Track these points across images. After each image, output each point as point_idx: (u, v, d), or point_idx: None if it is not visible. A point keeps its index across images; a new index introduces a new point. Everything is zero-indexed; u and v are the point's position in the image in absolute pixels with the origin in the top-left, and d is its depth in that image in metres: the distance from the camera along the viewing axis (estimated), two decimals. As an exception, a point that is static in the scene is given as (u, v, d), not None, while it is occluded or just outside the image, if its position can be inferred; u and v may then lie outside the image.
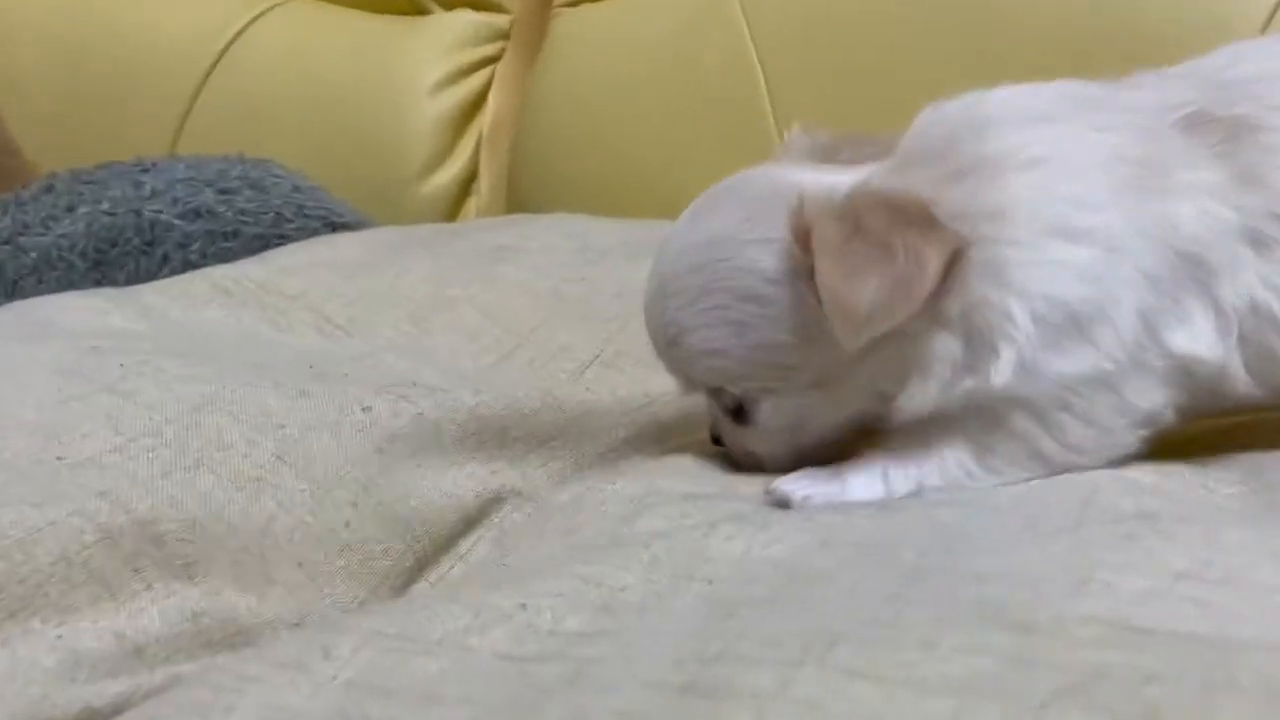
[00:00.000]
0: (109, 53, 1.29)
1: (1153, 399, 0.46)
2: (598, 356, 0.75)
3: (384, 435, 0.55)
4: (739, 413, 0.52)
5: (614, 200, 1.13)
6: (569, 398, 0.63)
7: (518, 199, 1.24)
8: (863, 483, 0.48)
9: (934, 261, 0.43)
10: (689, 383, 0.53)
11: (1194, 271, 0.45)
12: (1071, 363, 0.45)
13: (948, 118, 0.49)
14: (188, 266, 0.80)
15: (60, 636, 0.42)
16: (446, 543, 0.54)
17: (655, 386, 0.71)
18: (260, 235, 0.85)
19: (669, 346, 0.52)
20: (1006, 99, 0.49)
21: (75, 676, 0.40)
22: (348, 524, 0.51)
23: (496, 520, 0.55)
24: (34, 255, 0.79)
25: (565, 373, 0.72)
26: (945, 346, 0.46)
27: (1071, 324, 0.45)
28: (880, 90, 1.00)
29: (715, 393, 0.53)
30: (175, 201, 0.80)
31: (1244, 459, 0.48)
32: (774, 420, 0.51)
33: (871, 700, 0.29)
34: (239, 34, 1.27)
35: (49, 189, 0.85)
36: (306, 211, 0.89)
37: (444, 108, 1.24)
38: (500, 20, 1.27)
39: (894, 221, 0.44)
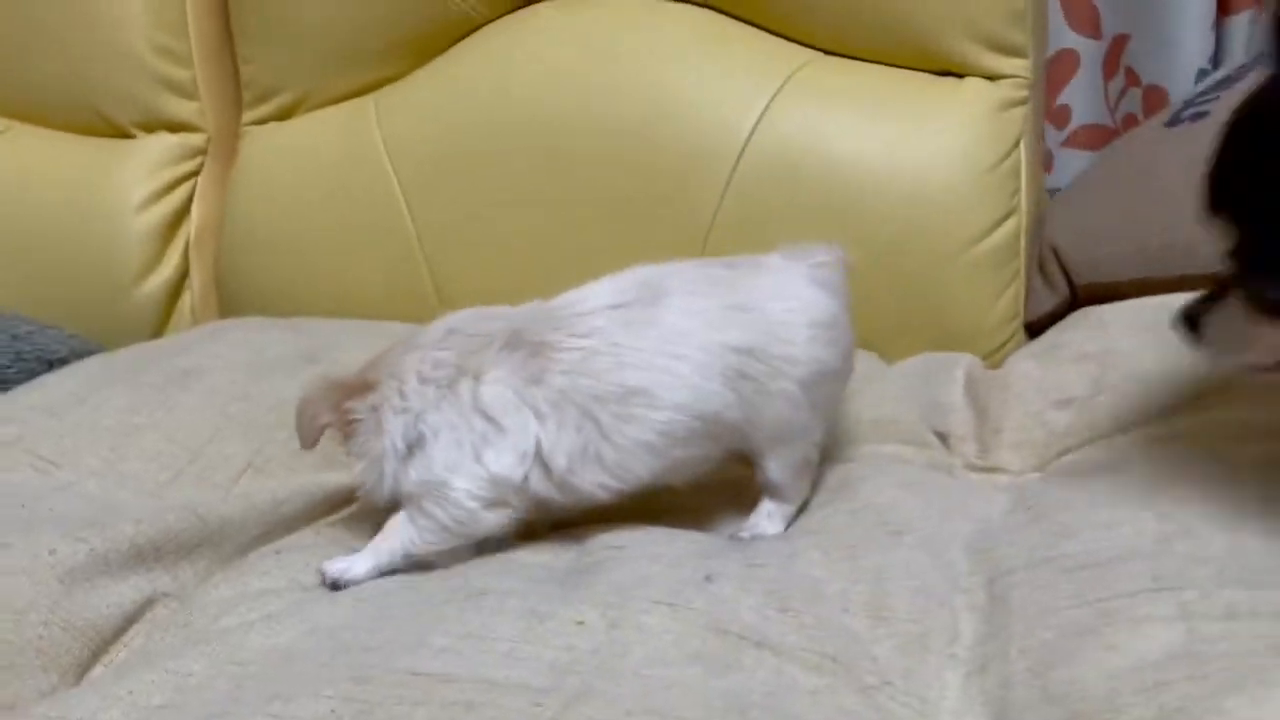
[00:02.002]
0: None
1: (487, 495, 0.79)
2: (250, 464, 1.02)
3: (65, 570, 0.81)
4: None
5: (305, 298, 1.38)
6: (210, 512, 0.91)
7: (227, 295, 1.48)
8: (364, 559, 0.81)
9: (320, 420, 0.82)
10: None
11: (497, 425, 0.80)
12: (417, 472, 0.80)
13: (407, 334, 0.86)
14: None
15: None
16: (114, 636, 0.81)
17: (293, 485, 1.00)
18: (-19, 385, 1.07)
19: None
20: (412, 338, 0.85)
21: None
22: (40, 637, 0.78)
23: (149, 616, 0.83)
24: None
25: (221, 483, 0.99)
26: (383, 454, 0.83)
27: (407, 453, 0.81)
28: (513, 218, 1.27)
29: None
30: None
31: (560, 541, 0.82)
32: None
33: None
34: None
35: None
36: (24, 356, 1.12)
37: (151, 221, 1.46)
38: (196, 139, 1.50)
39: (345, 389, 0.83)
